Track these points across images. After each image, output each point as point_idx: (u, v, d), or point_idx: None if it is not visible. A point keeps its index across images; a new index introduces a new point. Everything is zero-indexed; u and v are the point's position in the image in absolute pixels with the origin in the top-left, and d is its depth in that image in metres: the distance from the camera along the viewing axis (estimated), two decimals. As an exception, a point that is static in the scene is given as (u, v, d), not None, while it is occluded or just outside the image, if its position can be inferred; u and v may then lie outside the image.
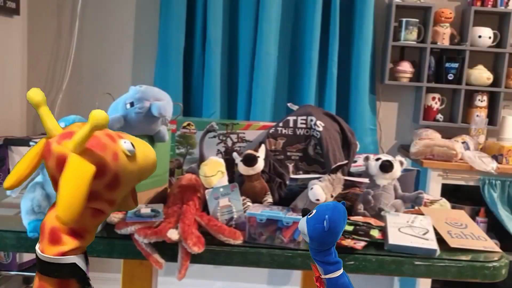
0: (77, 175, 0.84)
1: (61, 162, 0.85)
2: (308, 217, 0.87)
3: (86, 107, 2.84)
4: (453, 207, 1.65)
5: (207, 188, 1.33)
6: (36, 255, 0.91)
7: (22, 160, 0.89)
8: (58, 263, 0.89)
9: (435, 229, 1.29)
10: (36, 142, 2.12)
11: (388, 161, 1.42)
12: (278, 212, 1.24)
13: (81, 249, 0.93)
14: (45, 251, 0.89)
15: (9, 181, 0.88)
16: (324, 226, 0.85)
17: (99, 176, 0.87)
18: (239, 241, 1.22)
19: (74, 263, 0.91)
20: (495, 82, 2.75)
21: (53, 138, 0.89)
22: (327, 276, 0.87)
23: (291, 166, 1.54)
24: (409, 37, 2.71)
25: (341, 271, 0.88)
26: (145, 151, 0.96)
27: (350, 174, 1.53)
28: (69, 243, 0.90)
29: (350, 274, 1.22)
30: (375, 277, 2.78)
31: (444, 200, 1.59)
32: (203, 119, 2.13)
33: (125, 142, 0.91)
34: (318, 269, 0.89)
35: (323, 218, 0.85)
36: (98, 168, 0.86)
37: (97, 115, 0.83)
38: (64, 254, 0.90)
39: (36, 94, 0.88)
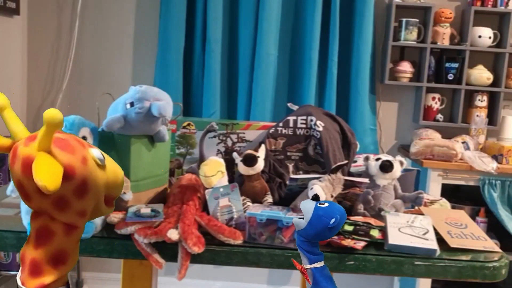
0: (49, 167, 0.80)
1: (28, 164, 0.81)
2: (319, 205, 0.87)
3: (86, 107, 2.84)
4: (453, 207, 1.65)
5: (207, 188, 1.33)
6: (17, 286, 0.87)
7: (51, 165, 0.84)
8: None
9: (435, 229, 1.29)
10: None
11: (388, 161, 1.42)
12: (278, 212, 1.24)
13: (63, 280, 0.89)
14: (26, 283, 0.86)
15: None
16: (330, 223, 0.85)
17: (67, 179, 0.83)
18: (239, 241, 1.22)
19: None
20: (495, 82, 2.75)
21: (19, 141, 0.85)
22: (313, 266, 0.88)
23: (291, 166, 1.54)
24: (409, 37, 2.71)
25: (323, 263, 0.89)
26: (114, 167, 0.93)
27: (350, 174, 1.53)
28: (51, 274, 0.86)
29: (350, 274, 1.22)
30: (375, 277, 2.78)
31: (444, 200, 1.59)
32: (203, 119, 2.13)
33: (96, 150, 0.89)
34: (302, 260, 0.89)
35: (333, 217, 0.85)
36: (66, 169, 0.83)
37: (50, 112, 0.79)
38: (45, 287, 0.86)
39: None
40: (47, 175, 0.77)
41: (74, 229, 0.88)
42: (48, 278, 0.86)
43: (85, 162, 0.85)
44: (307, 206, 0.88)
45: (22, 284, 0.87)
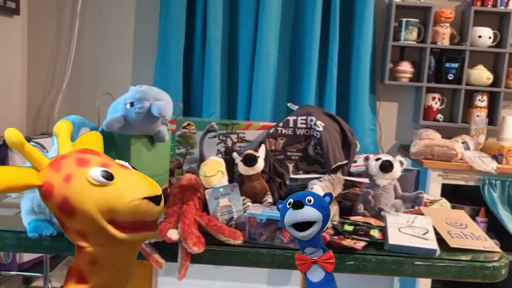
0: (19, 176, 0.84)
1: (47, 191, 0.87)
2: (310, 204, 0.89)
3: (86, 107, 2.84)
4: (453, 207, 1.65)
5: (207, 188, 1.33)
6: None
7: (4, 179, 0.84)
8: None
9: (435, 229, 1.29)
10: (36, 142, 2.12)
11: (388, 161, 1.42)
12: (278, 212, 1.24)
13: None
14: None
15: None
16: (329, 202, 0.92)
17: (48, 196, 0.86)
18: (239, 241, 1.22)
19: None
20: (495, 82, 2.75)
21: (48, 174, 0.88)
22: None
23: (291, 166, 1.54)
24: (409, 37, 2.71)
25: None
26: (120, 189, 0.86)
27: (350, 174, 1.53)
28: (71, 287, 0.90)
29: (350, 274, 1.22)
30: (375, 277, 2.78)
31: (444, 200, 1.59)
32: (203, 119, 2.13)
33: (95, 170, 0.86)
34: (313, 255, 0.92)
35: (324, 198, 0.92)
36: (45, 186, 0.85)
37: (8, 133, 0.83)
38: None
39: (15, 135, 0.85)
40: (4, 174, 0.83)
41: (82, 249, 0.89)
42: None
43: (68, 180, 0.85)
44: (310, 213, 0.91)
45: None
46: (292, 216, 0.90)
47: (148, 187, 0.88)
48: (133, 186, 0.87)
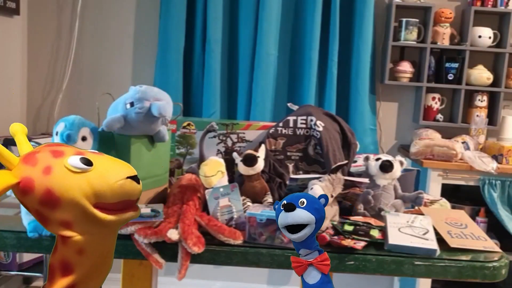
0: None
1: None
2: (303, 206, 0.89)
3: (86, 107, 2.84)
4: (453, 207, 1.65)
5: (207, 188, 1.33)
6: None
7: None
8: None
9: (435, 229, 1.29)
10: (36, 142, 2.13)
11: (388, 161, 1.42)
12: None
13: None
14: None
15: None
16: (324, 203, 0.91)
17: (27, 191, 0.84)
18: (239, 241, 1.22)
19: None
20: (495, 82, 2.75)
21: (23, 169, 0.87)
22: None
23: (291, 166, 1.54)
24: (409, 37, 2.71)
25: None
26: (103, 172, 0.87)
27: (350, 174, 1.53)
28: (59, 283, 0.89)
29: (350, 274, 1.22)
30: (375, 277, 2.78)
31: (444, 200, 1.59)
32: (203, 119, 2.13)
33: (75, 159, 0.86)
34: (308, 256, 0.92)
35: (319, 199, 0.92)
36: (24, 182, 0.84)
37: None
38: None
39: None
40: None
41: (67, 239, 0.88)
42: (57, 287, 0.88)
43: (48, 171, 0.85)
44: (302, 216, 0.91)
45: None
46: (284, 218, 0.90)
47: (127, 167, 0.90)
48: (115, 168, 0.89)
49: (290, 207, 0.89)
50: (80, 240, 0.88)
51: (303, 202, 0.89)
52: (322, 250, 0.93)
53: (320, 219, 0.90)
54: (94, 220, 0.87)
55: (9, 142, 2.54)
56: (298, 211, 0.88)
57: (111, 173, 0.87)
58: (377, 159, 1.44)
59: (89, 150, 0.93)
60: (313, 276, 0.91)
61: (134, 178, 0.89)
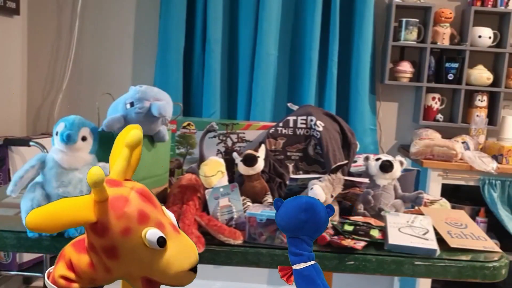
0: (75, 203, 0.84)
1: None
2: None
3: (86, 107, 2.84)
4: (453, 207, 1.65)
5: (207, 188, 1.33)
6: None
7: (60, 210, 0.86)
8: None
9: (435, 229, 1.29)
10: (36, 142, 2.12)
11: (388, 161, 1.42)
12: (278, 212, 1.24)
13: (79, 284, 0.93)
14: (48, 275, 0.93)
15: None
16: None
17: (97, 233, 0.86)
18: (239, 241, 1.22)
19: None
20: (495, 82, 2.75)
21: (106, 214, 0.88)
22: (295, 267, 0.93)
23: (291, 166, 1.54)
24: (409, 37, 2.71)
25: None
26: (169, 259, 0.88)
27: (350, 174, 1.53)
28: (61, 269, 0.91)
29: (350, 274, 1.22)
30: (375, 277, 2.78)
31: (444, 200, 1.59)
32: (203, 119, 2.12)
33: (153, 233, 0.87)
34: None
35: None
36: (100, 225, 0.85)
37: (93, 173, 0.82)
38: (54, 279, 0.91)
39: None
40: (39, 215, 0.82)
41: (94, 271, 0.91)
42: (58, 271, 0.92)
43: (126, 234, 0.86)
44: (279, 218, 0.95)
45: (47, 275, 0.93)
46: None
47: (194, 256, 0.91)
48: (182, 256, 0.90)
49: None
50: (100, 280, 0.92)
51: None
52: (308, 255, 0.92)
53: (279, 223, 0.93)
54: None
55: (9, 142, 2.54)
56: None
57: (177, 262, 0.89)
58: (377, 159, 1.44)
59: (168, 214, 0.93)
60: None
61: (194, 269, 0.91)
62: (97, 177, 0.81)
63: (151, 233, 0.86)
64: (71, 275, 0.91)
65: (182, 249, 0.90)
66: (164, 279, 0.89)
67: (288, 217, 0.92)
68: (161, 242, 0.87)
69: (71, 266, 0.91)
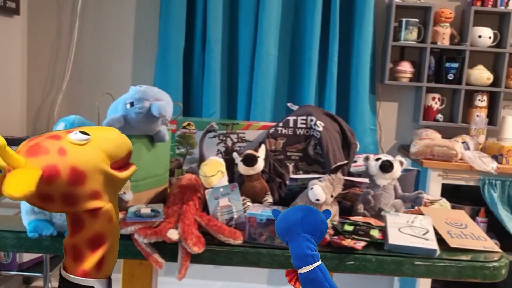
0: (15, 178, 0.81)
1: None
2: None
3: (86, 107, 2.84)
4: (453, 207, 1.65)
5: (207, 188, 1.33)
6: (60, 275, 0.93)
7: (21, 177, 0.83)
8: (78, 284, 0.91)
9: (435, 229, 1.29)
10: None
11: (388, 161, 1.42)
12: (278, 212, 1.24)
13: (105, 273, 0.93)
14: (69, 269, 0.91)
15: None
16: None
17: (54, 177, 0.84)
18: (239, 241, 1.22)
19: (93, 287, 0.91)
20: (495, 82, 2.75)
21: (38, 161, 0.86)
22: (301, 271, 0.90)
23: (291, 166, 1.54)
24: (409, 37, 2.71)
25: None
26: (101, 133, 0.92)
27: (350, 174, 1.53)
28: (90, 259, 0.91)
29: (350, 274, 1.22)
30: (375, 277, 2.78)
31: (444, 200, 1.59)
32: (203, 119, 2.12)
33: (75, 134, 0.89)
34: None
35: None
36: (48, 170, 0.83)
37: None
38: (87, 274, 0.90)
39: None
40: (13, 185, 0.79)
41: (98, 212, 0.90)
42: (88, 263, 0.90)
43: (63, 153, 0.86)
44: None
45: (65, 270, 0.91)
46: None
47: (111, 128, 0.98)
48: (105, 129, 0.95)
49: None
50: (109, 208, 0.91)
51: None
52: (316, 259, 0.90)
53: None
54: (115, 182, 0.92)
55: (9, 142, 2.54)
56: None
57: (107, 133, 0.93)
58: (377, 159, 1.44)
59: (73, 128, 0.96)
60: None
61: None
62: None
63: (72, 135, 0.90)
64: (99, 253, 0.92)
65: (99, 127, 0.97)
66: (119, 151, 0.94)
67: (285, 218, 0.93)
68: (84, 133, 0.90)
69: (94, 245, 0.92)
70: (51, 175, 0.84)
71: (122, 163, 0.94)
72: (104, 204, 0.90)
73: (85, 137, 0.88)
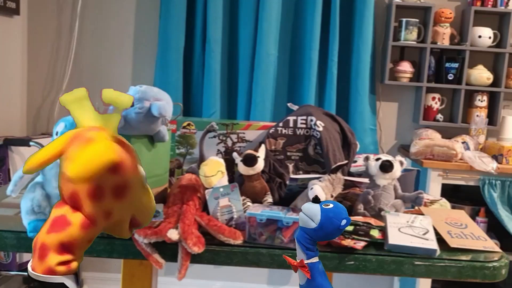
0: (99, 150, 0.82)
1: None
2: (324, 207, 0.88)
3: (86, 107, 2.83)
4: (453, 207, 1.65)
5: (207, 188, 1.33)
6: (28, 274, 0.89)
7: (51, 144, 0.83)
8: (46, 282, 0.89)
9: (435, 229, 1.29)
10: (36, 143, 2.12)
11: (388, 161, 1.42)
12: (278, 212, 1.24)
13: (70, 269, 0.91)
14: (35, 268, 0.87)
15: (31, 162, 0.82)
16: (341, 224, 0.86)
17: (115, 171, 0.83)
18: (239, 241, 1.22)
19: (63, 284, 0.90)
20: (495, 82, 2.75)
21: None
22: (310, 261, 0.89)
23: (291, 166, 1.54)
24: (409, 37, 2.71)
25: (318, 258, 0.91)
26: (151, 196, 0.92)
27: (350, 174, 1.53)
28: (55, 258, 0.88)
29: (350, 274, 1.22)
30: (375, 277, 2.78)
31: (444, 200, 1.59)
32: (203, 119, 2.12)
33: (143, 170, 0.90)
34: (300, 256, 0.90)
35: (343, 218, 0.86)
36: (119, 162, 0.83)
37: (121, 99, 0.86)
38: (52, 270, 0.89)
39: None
40: (81, 164, 0.80)
41: (92, 226, 0.88)
42: (53, 260, 0.86)
43: (135, 169, 0.86)
44: (312, 209, 0.88)
45: (32, 269, 0.87)
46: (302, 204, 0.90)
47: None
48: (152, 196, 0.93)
49: (316, 199, 0.89)
50: (96, 232, 0.88)
51: (328, 204, 0.89)
52: (312, 254, 0.91)
53: (320, 226, 0.89)
54: (119, 228, 0.91)
55: (9, 142, 2.54)
56: (314, 205, 0.88)
57: (154, 201, 0.92)
58: (377, 159, 1.44)
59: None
60: (302, 276, 0.91)
61: None
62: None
63: (141, 169, 0.88)
64: (67, 256, 0.90)
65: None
66: (145, 217, 0.91)
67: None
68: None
69: (62, 248, 0.89)
70: (114, 169, 0.83)
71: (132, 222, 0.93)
72: (100, 225, 0.88)
73: (147, 185, 0.90)
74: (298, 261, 0.90)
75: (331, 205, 0.87)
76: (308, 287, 0.90)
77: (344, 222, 0.86)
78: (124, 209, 0.89)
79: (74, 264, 0.89)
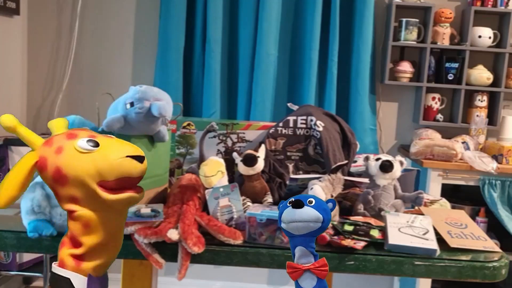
0: (19, 164, 0.95)
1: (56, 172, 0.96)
2: (311, 205, 0.89)
3: (86, 107, 2.84)
4: (453, 207, 1.65)
5: (207, 188, 1.33)
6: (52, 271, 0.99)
7: (11, 176, 0.94)
8: (57, 274, 0.96)
9: (435, 229, 1.29)
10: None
11: (388, 161, 1.42)
12: (278, 212, 1.24)
13: (83, 270, 0.97)
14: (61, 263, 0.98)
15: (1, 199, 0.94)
16: (331, 208, 0.92)
17: (42, 169, 0.94)
18: (239, 241, 1.22)
19: (69, 279, 0.94)
20: (495, 82, 2.75)
21: (42, 150, 0.97)
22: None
23: (291, 166, 1.54)
24: (409, 37, 2.71)
25: None
26: (106, 151, 0.95)
27: (350, 174, 1.53)
28: (68, 250, 0.97)
29: (350, 274, 1.22)
30: (375, 277, 2.78)
31: (444, 200, 1.59)
32: (203, 119, 2.12)
33: (83, 141, 0.95)
34: (307, 260, 0.92)
35: (327, 203, 0.92)
36: (40, 160, 0.95)
37: (2, 119, 0.95)
38: (62, 262, 0.96)
39: (9, 120, 0.98)
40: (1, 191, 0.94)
41: (74, 214, 0.96)
42: (66, 256, 0.97)
43: (59, 151, 0.95)
44: (311, 214, 0.91)
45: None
46: (291, 215, 0.90)
47: (130, 147, 0.98)
48: (117, 148, 0.97)
49: (298, 204, 0.89)
50: (85, 215, 0.96)
51: (312, 201, 0.90)
52: (317, 255, 0.92)
53: (326, 220, 0.90)
54: (97, 198, 0.95)
55: (9, 142, 2.54)
56: (306, 208, 0.89)
57: (113, 151, 0.96)
58: (377, 159, 1.44)
59: (103, 135, 1.01)
60: (308, 282, 0.91)
61: (136, 158, 0.96)
62: (7, 122, 0.94)
63: (81, 141, 0.95)
64: (78, 250, 0.96)
65: (117, 144, 0.98)
66: (109, 171, 0.94)
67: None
68: (94, 143, 0.95)
69: (75, 242, 0.96)
70: (40, 166, 0.95)
71: (118, 184, 0.96)
72: (79, 209, 0.96)
73: (88, 147, 0.94)
74: (303, 265, 0.90)
75: (313, 201, 0.90)
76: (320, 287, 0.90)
77: (330, 205, 0.92)
78: (79, 186, 0.95)
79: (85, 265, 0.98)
